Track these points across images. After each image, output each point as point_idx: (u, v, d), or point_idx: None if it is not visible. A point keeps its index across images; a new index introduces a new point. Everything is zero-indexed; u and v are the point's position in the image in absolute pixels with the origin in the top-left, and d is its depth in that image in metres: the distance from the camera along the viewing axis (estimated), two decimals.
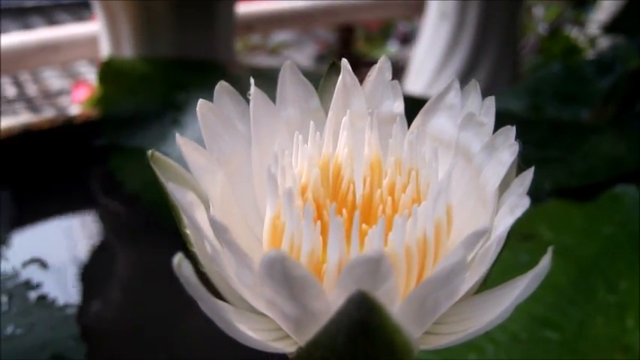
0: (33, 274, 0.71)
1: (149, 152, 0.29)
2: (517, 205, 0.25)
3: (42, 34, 1.21)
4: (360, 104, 0.34)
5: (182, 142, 0.28)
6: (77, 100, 1.47)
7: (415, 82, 1.37)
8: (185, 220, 0.28)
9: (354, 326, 0.22)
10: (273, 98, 0.33)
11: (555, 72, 1.18)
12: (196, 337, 0.65)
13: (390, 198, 0.30)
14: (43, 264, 0.73)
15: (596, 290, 0.68)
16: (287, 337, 0.28)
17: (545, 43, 1.69)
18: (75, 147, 0.94)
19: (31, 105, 1.71)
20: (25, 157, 0.93)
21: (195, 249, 0.28)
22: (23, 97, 1.77)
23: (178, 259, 0.23)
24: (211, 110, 0.31)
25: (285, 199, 0.26)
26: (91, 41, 1.16)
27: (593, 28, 1.63)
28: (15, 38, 1.16)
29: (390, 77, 0.34)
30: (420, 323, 0.25)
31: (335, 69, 0.35)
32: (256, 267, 0.23)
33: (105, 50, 1.09)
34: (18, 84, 1.86)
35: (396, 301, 0.24)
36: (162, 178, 0.29)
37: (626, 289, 0.67)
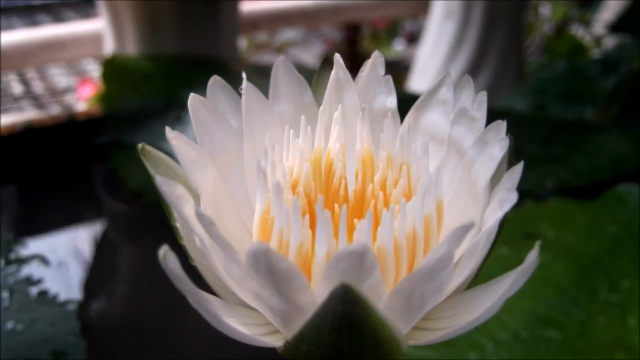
0: (34, 270, 0.71)
1: (139, 145, 0.29)
2: (506, 199, 0.25)
3: (47, 31, 1.21)
4: (352, 99, 0.34)
5: (172, 135, 0.28)
6: (82, 98, 1.47)
7: (420, 81, 1.37)
8: (175, 214, 0.28)
9: (339, 319, 0.22)
10: None
11: (560, 71, 1.17)
12: (197, 333, 0.65)
13: (381, 193, 0.30)
14: (44, 260, 0.73)
15: (598, 290, 0.67)
16: (277, 331, 0.28)
17: (551, 42, 1.68)
18: (78, 144, 0.95)
19: (38, 102, 1.71)
20: (28, 153, 0.93)
21: (185, 243, 0.28)
22: (29, 95, 1.78)
23: (163, 252, 0.23)
24: (203, 104, 0.30)
25: (274, 193, 0.26)
26: (96, 39, 1.17)
27: (599, 28, 1.62)
28: (20, 35, 1.17)
29: (383, 72, 0.34)
30: (407, 318, 0.25)
31: (328, 64, 0.34)
32: (244, 260, 0.23)
33: (109, 48, 1.10)
34: (24, 81, 1.86)
35: (383, 295, 0.24)
36: (152, 172, 0.29)
37: (629, 288, 0.67)
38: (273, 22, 1.45)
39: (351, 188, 0.32)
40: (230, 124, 0.32)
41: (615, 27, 1.31)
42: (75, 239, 0.86)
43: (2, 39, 1.14)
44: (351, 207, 0.31)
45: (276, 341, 0.27)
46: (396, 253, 0.26)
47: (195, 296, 0.23)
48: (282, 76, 0.34)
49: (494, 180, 0.28)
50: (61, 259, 0.77)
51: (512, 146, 0.28)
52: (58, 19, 2.20)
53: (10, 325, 0.62)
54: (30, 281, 0.68)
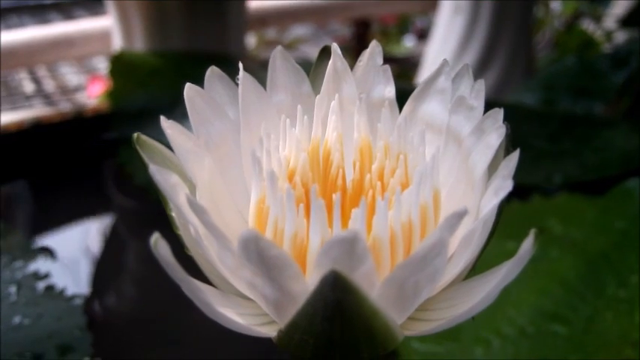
0: (42, 264, 0.71)
1: (134, 135, 0.29)
2: (501, 187, 0.25)
3: (56, 29, 1.22)
4: (350, 89, 0.33)
5: (167, 125, 0.28)
6: (93, 95, 1.48)
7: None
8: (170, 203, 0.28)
9: (330, 307, 0.22)
10: None
11: (569, 66, 1.16)
12: (203, 329, 0.65)
13: (379, 182, 0.30)
14: (51, 255, 0.73)
15: (606, 285, 0.67)
16: (273, 321, 0.28)
17: (561, 37, 1.67)
18: (86, 140, 0.95)
19: (49, 100, 1.72)
20: (37, 149, 0.94)
21: (181, 232, 0.28)
22: (41, 93, 1.78)
23: (155, 239, 0.22)
24: (199, 95, 0.30)
25: (269, 182, 0.26)
26: (105, 36, 1.17)
27: (610, 23, 1.61)
28: (29, 33, 1.17)
29: (382, 62, 0.33)
30: (401, 307, 0.25)
31: (326, 54, 0.34)
32: (236, 248, 0.23)
33: (117, 45, 1.10)
34: (35, 80, 1.87)
35: (376, 284, 0.23)
36: (147, 161, 0.29)
37: (637, 284, 0.66)
38: (281, 18, 1.45)
39: (349, 178, 0.32)
40: (227, 114, 0.32)
41: (626, 22, 1.30)
42: (83, 234, 0.87)
43: (12, 37, 1.15)
44: (349, 197, 0.31)
45: (272, 331, 0.27)
46: (392, 242, 0.26)
47: (188, 284, 0.23)
48: (280, 66, 0.33)
49: (492, 168, 0.28)
50: (68, 254, 0.77)
51: (510, 134, 0.27)
52: (69, 17, 2.21)
53: (17, 319, 0.62)
54: (37, 276, 0.68)
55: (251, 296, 0.27)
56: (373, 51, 0.34)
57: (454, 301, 0.28)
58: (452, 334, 0.61)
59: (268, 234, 0.27)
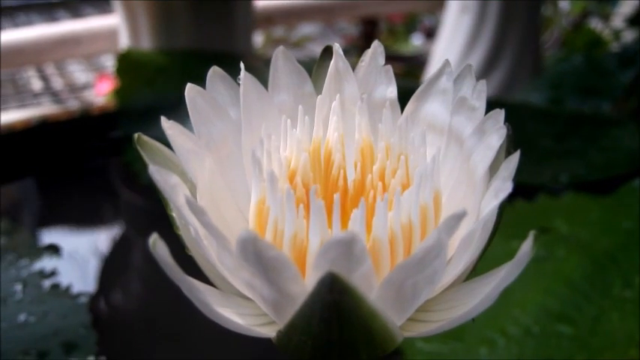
0: (47, 262, 0.71)
1: (135, 135, 0.29)
2: (501, 189, 0.25)
3: (63, 27, 1.22)
4: (352, 89, 0.33)
5: (167, 125, 0.28)
6: (100, 93, 1.48)
7: None
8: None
9: (327, 309, 0.22)
10: None
11: (577, 65, 1.16)
12: (209, 328, 0.65)
13: (380, 183, 0.30)
14: (57, 252, 0.73)
15: (611, 285, 0.67)
16: (273, 322, 0.28)
17: (569, 36, 1.66)
18: (93, 138, 0.95)
19: (57, 98, 1.73)
20: (43, 147, 0.94)
21: (182, 232, 0.28)
22: (49, 91, 1.79)
23: (153, 240, 0.22)
24: (200, 95, 0.30)
25: (269, 182, 0.26)
26: (112, 34, 1.17)
27: (618, 21, 1.60)
28: (37, 31, 1.17)
29: (383, 62, 0.33)
30: (400, 309, 0.25)
31: (328, 54, 0.34)
32: (234, 249, 0.23)
33: (124, 43, 1.10)
34: (44, 78, 1.87)
35: (375, 285, 0.23)
36: (147, 161, 0.29)
37: None
38: (288, 17, 1.45)
39: (350, 178, 0.32)
40: (229, 114, 0.32)
41: (634, 20, 1.30)
42: (89, 232, 0.87)
43: (19, 35, 1.15)
44: (350, 197, 0.31)
45: (272, 332, 0.27)
46: (392, 243, 0.26)
47: (186, 284, 0.23)
48: (282, 66, 0.33)
49: (494, 169, 0.28)
50: (74, 252, 0.77)
51: (511, 135, 0.27)
52: (78, 15, 2.22)
53: (22, 317, 0.62)
54: (43, 274, 0.69)
55: (250, 296, 0.27)
56: (375, 51, 0.33)
57: (454, 303, 0.28)
58: (456, 334, 0.61)
59: (268, 235, 0.27)
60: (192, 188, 0.29)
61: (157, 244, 0.22)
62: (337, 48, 0.33)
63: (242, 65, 0.31)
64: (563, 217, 0.77)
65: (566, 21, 1.83)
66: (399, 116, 0.32)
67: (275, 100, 0.33)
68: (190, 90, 0.30)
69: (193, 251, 0.28)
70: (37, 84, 1.84)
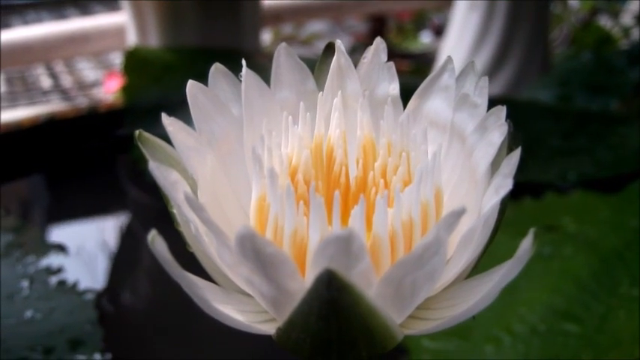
0: (54, 259, 0.72)
1: (136, 132, 0.29)
2: (501, 185, 0.25)
3: (71, 24, 1.22)
4: (354, 86, 0.33)
5: (168, 122, 0.28)
6: (109, 91, 1.49)
7: None
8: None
9: (325, 306, 0.22)
10: None
11: (585, 62, 1.16)
12: (215, 325, 0.65)
13: (382, 180, 0.30)
14: (64, 249, 0.74)
15: (619, 283, 0.67)
16: (274, 319, 0.28)
17: (578, 33, 1.66)
18: (100, 136, 0.95)
19: (66, 96, 1.73)
20: (51, 144, 0.94)
21: (182, 229, 0.28)
22: (58, 88, 1.80)
23: (152, 236, 0.23)
24: (202, 91, 0.30)
25: (269, 179, 0.26)
26: (120, 32, 1.17)
27: (627, 19, 1.59)
28: (45, 29, 1.18)
29: (386, 59, 0.33)
30: (400, 306, 0.25)
31: (331, 51, 0.34)
32: (233, 245, 0.23)
33: (132, 40, 1.10)
34: (53, 75, 1.88)
35: (374, 282, 0.23)
36: (148, 158, 0.29)
37: None
38: (296, 14, 1.45)
39: (352, 175, 0.31)
40: (230, 111, 0.32)
41: None
42: (97, 229, 0.87)
43: (28, 32, 1.16)
44: (352, 194, 0.31)
45: (272, 329, 0.27)
46: (392, 240, 0.26)
47: (185, 280, 0.23)
48: (284, 63, 0.33)
49: (496, 166, 0.28)
50: (81, 248, 0.77)
51: (512, 132, 0.27)
52: (86, 13, 2.23)
53: (29, 313, 0.63)
54: (50, 270, 0.69)
55: (250, 293, 0.27)
56: (377, 48, 0.33)
57: (456, 301, 0.28)
58: (462, 332, 0.61)
59: (269, 231, 0.26)
60: (194, 185, 0.29)
61: (155, 240, 0.22)
62: (339, 44, 0.33)
63: (244, 62, 0.31)
64: (570, 215, 0.76)
65: (576, 18, 1.82)
66: (401, 113, 0.32)
67: (277, 96, 0.33)
68: (192, 87, 0.30)
69: (194, 248, 0.28)
70: (46, 81, 1.84)
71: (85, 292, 0.66)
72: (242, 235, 0.21)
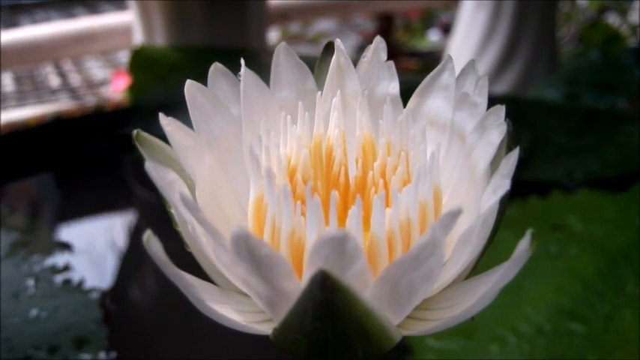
0: (60, 258, 0.72)
1: (134, 132, 0.29)
2: (499, 186, 0.24)
3: (79, 23, 1.22)
4: (354, 85, 0.33)
5: (166, 122, 0.28)
6: (117, 90, 1.49)
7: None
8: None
9: (319, 307, 0.22)
10: None
11: (593, 60, 1.15)
12: (219, 325, 0.65)
13: (381, 180, 0.29)
14: (69, 249, 0.74)
15: (625, 283, 0.66)
16: (271, 319, 0.28)
17: (586, 31, 1.65)
18: (106, 134, 0.96)
19: (74, 95, 1.74)
20: (58, 143, 0.95)
21: (180, 229, 0.28)
22: (66, 87, 1.80)
23: (147, 237, 0.22)
24: (200, 91, 0.30)
25: (266, 179, 0.26)
26: (127, 31, 1.18)
27: (635, 17, 1.58)
28: (52, 28, 1.18)
29: (386, 58, 0.33)
30: (397, 307, 0.24)
31: (330, 50, 0.34)
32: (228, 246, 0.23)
33: (139, 40, 1.11)
34: (61, 74, 1.89)
35: (370, 283, 0.23)
36: (145, 158, 0.29)
37: None
38: (303, 13, 1.45)
39: (352, 175, 0.31)
40: (229, 111, 0.32)
41: None
42: (102, 228, 0.87)
43: (35, 32, 1.16)
44: (351, 193, 0.31)
45: (269, 329, 0.27)
46: (390, 240, 0.25)
47: (181, 280, 0.23)
48: (284, 62, 0.33)
49: (495, 166, 0.28)
50: (86, 247, 0.77)
51: (511, 131, 0.27)
52: (95, 12, 2.23)
53: (34, 312, 0.63)
54: (55, 269, 0.69)
55: (248, 293, 0.27)
56: (377, 47, 0.33)
57: (455, 301, 0.27)
58: (467, 332, 0.61)
59: (266, 232, 0.26)
60: (192, 185, 0.29)
61: (150, 240, 0.22)
62: (339, 44, 0.33)
63: (242, 62, 0.31)
64: (576, 214, 0.76)
65: (584, 16, 1.81)
66: (401, 112, 0.32)
67: (277, 96, 0.33)
68: (190, 87, 0.30)
69: (192, 248, 0.28)
70: (54, 80, 1.85)
71: (90, 291, 0.66)
72: (237, 235, 0.21)
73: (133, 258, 0.80)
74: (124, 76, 1.49)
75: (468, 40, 1.33)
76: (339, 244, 0.21)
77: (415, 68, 1.71)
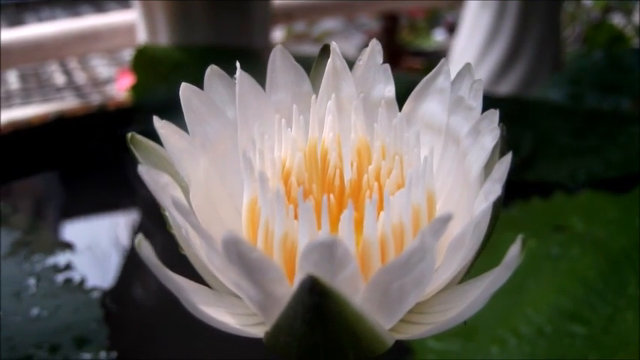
0: (61, 257, 0.72)
1: (128, 135, 0.29)
2: (490, 191, 0.24)
3: (83, 22, 1.23)
4: (350, 88, 0.33)
5: (160, 124, 0.28)
6: (122, 88, 1.49)
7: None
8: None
9: (309, 311, 0.22)
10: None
11: (596, 60, 1.15)
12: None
13: (376, 183, 0.29)
14: (70, 248, 0.74)
15: (627, 284, 0.66)
16: (264, 322, 0.28)
17: (591, 32, 1.65)
18: (108, 133, 0.96)
19: (79, 93, 1.74)
20: (61, 142, 0.95)
21: (175, 231, 0.28)
22: (71, 85, 1.81)
23: (138, 240, 0.23)
24: (195, 94, 0.30)
25: (259, 183, 0.26)
26: (131, 30, 1.18)
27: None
28: (56, 26, 1.18)
29: (382, 61, 0.33)
30: (388, 312, 0.24)
31: (327, 53, 0.34)
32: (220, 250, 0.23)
33: (142, 38, 1.11)
34: (67, 72, 1.89)
35: (361, 288, 0.23)
36: (139, 160, 0.29)
37: None
38: (308, 12, 1.45)
39: (347, 178, 0.31)
40: (225, 113, 0.32)
41: None
42: (104, 227, 0.87)
43: (39, 30, 1.16)
44: (346, 197, 0.31)
45: (262, 332, 0.27)
46: (382, 245, 0.25)
47: (172, 283, 0.23)
48: (280, 65, 0.33)
49: (489, 170, 0.28)
50: (88, 246, 0.78)
51: (505, 136, 0.27)
52: (100, 10, 2.24)
53: (35, 311, 0.63)
54: (57, 268, 0.69)
55: (240, 296, 0.27)
56: (373, 49, 0.33)
57: (448, 305, 0.27)
58: (468, 333, 0.61)
59: (260, 235, 0.26)
60: (188, 188, 0.29)
61: (141, 243, 0.23)
62: (334, 47, 0.33)
63: (238, 64, 0.31)
64: (579, 215, 0.76)
65: (589, 17, 1.81)
66: (396, 115, 0.32)
67: (272, 99, 0.33)
68: (185, 89, 0.30)
69: (186, 251, 0.28)
70: (60, 78, 1.86)
71: (91, 290, 0.66)
72: (226, 240, 0.21)
73: (135, 257, 0.80)
74: (129, 74, 1.49)
75: (472, 40, 1.33)
76: (328, 249, 0.21)
77: (420, 68, 1.71)
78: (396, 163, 0.29)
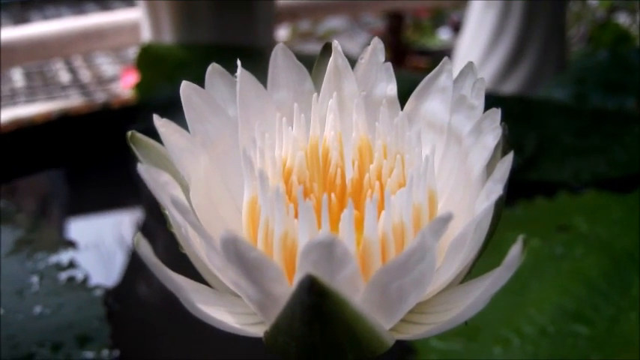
0: (64, 255, 0.72)
1: (128, 133, 0.29)
2: (492, 190, 0.24)
3: (86, 20, 1.23)
4: (351, 87, 0.33)
5: (160, 123, 0.28)
6: (127, 86, 1.50)
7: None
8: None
9: (307, 311, 0.22)
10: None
11: (601, 60, 1.14)
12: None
13: (377, 182, 0.29)
14: (73, 246, 0.74)
15: (630, 285, 0.66)
16: (264, 322, 0.28)
17: (596, 31, 1.64)
18: (112, 132, 0.96)
19: (84, 91, 1.75)
20: (65, 141, 0.95)
21: (175, 230, 0.28)
22: (76, 83, 1.81)
23: (137, 239, 0.23)
24: (196, 92, 0.30)
25: (259, 181, 0.26)
26: (135, 28, 1.18)
27: None
28: (60, 25, 1.18)
29: (384, 59, 0.33)
30: (388, 312, 0.24)
31: (329, 51, 0.34)
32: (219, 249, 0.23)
33: (147, 37, 1.11)
34: (72, 70, 1.89)
35: (361, 288, 0.23)
36: (140, 159, 0.29)
37: None
38: (312, 11, 1.44)
39: (349, 177, 0.31)
40: (225, 112, 0.32)
41: None
42: (109, 225, 0.87)
43: (43, 28, 1.16)
44: (348, 196, 0.31)
45: (262, 332, 0.27)
46: (383, 244, 0.25)
47: (171, 282, 0.23)
48: (281, 63, 0.33)
49: (492, 169, 0.27)
50: (92, 244, 0.77)
51: (506, 135, 0.27)
52: (105, 8, 2.24)
53: (38, 309, 0.63)
54: (60, 266, 0.69)
55: (240, 295, 0.27)
56: (375, 48, 0.33)
57: (449, 305, 0.27)
58: (471, 333, 0.61)
59: (260, 234, 0.26)
60: (188, 187, 0.29)
61: (140, 242, 0.22)
62: (336, 45, 0.33)
63: (238, 62, 0.31)
64: (583, 215, 0.76)
65: (594, 16, 1.80)
66: (396, 114, 0.32)
67: (274, 97, 0.33)
68: (185, 88, 0.30)
69: (186, 250, 0.28)
70: (65, 76, 1.86)
71: (93, 288, 0.66)
72: (225, 239, 0.21)
73: (138, 256, 0.80)
74: (134, 72, 1.49)
75: (477, 39, 1.33)
76: (327, 249, 0.21)
77: (425, 67, 1.71)
78: (397, 162, 0.29)
